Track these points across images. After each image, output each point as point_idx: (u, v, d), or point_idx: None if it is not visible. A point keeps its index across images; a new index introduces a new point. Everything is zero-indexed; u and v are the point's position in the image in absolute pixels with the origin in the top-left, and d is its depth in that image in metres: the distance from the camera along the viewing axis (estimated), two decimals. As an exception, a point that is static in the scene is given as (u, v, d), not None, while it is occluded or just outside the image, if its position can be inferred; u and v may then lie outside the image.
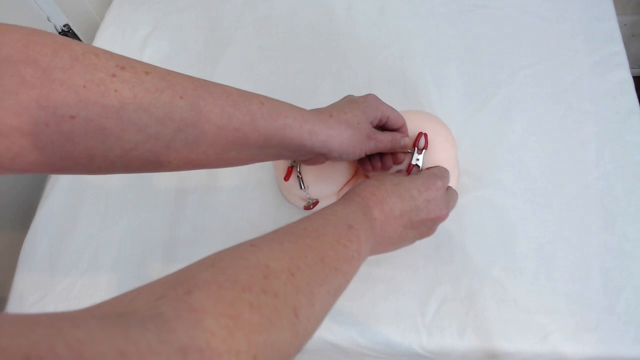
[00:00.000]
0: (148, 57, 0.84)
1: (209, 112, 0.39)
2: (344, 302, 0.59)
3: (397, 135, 0.53)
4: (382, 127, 0.53)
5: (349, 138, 0.46)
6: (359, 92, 0.75)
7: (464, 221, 0.62)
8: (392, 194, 0.44)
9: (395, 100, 0.73)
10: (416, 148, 0.55)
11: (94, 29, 0.90)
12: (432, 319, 0.57)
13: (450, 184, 0.61)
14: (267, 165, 0.68)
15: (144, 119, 0.35)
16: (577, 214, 0.61)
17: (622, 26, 0.77)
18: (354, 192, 0.45)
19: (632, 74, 0.71)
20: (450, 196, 0.50)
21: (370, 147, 0.49)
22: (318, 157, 0.48)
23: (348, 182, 0.62)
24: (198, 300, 0.26)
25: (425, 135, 0.55)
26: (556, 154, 0.66)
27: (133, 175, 0.71)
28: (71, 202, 0.71)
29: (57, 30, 0.92)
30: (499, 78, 0.73)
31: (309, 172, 0.58)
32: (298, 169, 0.58)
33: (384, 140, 0.50)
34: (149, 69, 0.37)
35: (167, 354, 0.22)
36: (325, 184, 0.60)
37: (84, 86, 0.33)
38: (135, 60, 0.37)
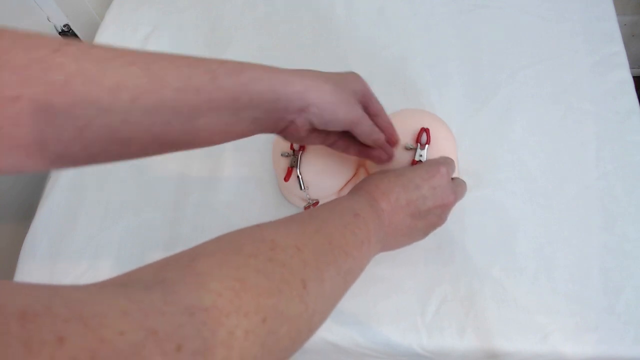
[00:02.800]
0: (148, 57, 0.84)
1: (165, 75, 0.35)
2: (344, 302, 0.58)
3: (377, 129, 0.49)
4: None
5: (330, 91, 0.42)
6: (359, 92, 0.75)
7: (464, 221, 0.62)
8: (396, 184, 0.44)
9: (395, 100, 0.73)
10: (419, 144, 0.55)
11: (94, 29, 0.90)
12: (432, 319, 0.57)
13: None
14: (267, 165, 0.68)
15: (93, 91, 0.32)
16: (577, 214, 0.61)
17: (622, 26, 0.77)
18: (358, 187, 0.45)
19: (632, 74, 0.71)
20: (457, 184, 0.49)
21: (352, 118, 0.44)
22: (299, 122, 0.43)
23: (348, 182, 0.62)
24: (202, 265, 0.25)
25: (427, 130, 0.55)
26: (556, 154, 0.66)
27: (133, 175, 0.71)
28: (71, 202, 0.71)
29: (57, 30, 0.92)
30: (499, 78, 0.73)
31: (309, 172, 0.58)
32: (298, 169, 0.58)
33: (365, 123, 0.46)
34: (95, 45, 0.35)
35: (172, 313, 0.21)
36: (325, 184, 0.60)
37: (26, 65, 0.31)
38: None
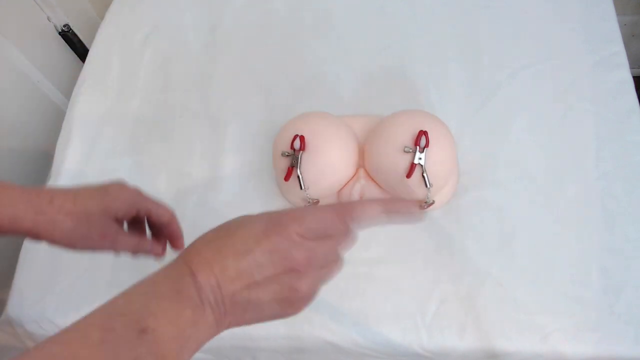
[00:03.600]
0: (148, 57, 0.84)
1: None
2: (344, 302, 0.59)
3: (144, 242, 0.47)
4: (149, 221, 0.48)
5: (68, 230, 0.42)
6: (358, 92, 0.75)
7: (464, 221, 0.62)
8: (223, 251, 0.33)
9: (395, 100, 0.73)
10: (418, 147, 0.55)
11: (94, 29, 0.90)
12: (432, 319, 0.57)
13: (450, 184, 0.62)
14: (267, 165, 0.68)
15: None
16: (577, 214, 0.61)
17: (622, 26, 0.77)
18: (182, 254, 0.35)
19: (632, 74, 0.71)
20: (325, 245, 0.36)
21: (105, 245, 0.44)
22: (32, 238, 0.43)
23: (348, 182, 0.62)
24: None
25: (426, 133, 0.55)
26: (556, 154, 0.66)
27: (133, 175, 0.71)
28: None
29: (57, 30, 0.92)
30: (498, 78, 0.73)
31: (309, 172, 0.58)
32: (298, 169, 0.58)
33: (126, 244, 0.45)
34: None
35: None
36: (325, 184, 0.60)
37: None
38: None
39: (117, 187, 0.46)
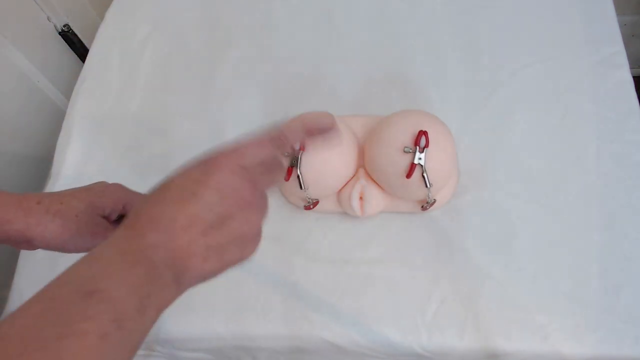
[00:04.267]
0: (148, 57, 0.84)
1: None
2: (344, 302, 0.59)
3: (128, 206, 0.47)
4: None
5: (57, 229, 0.42)
6: (358, 92, 0.75)
7: (464, 221, 0.62)
8: (164, 203, 0.31)
9: (394, 100, 0.73)
10: (417, 147, 0.55)
11: (94, 29, 0.90)
12: (432, 318, 0.57)
13: (450, 184, 0.62)
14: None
15: None
16: (577, 214, 0.61)
17: (622, 26, 0.77)
18: (126, 219, 0.32)
19: (632, 74, 0.71)
20: (263, 169, 0.35)
21: (95, 243, 0.41)
22: (24, 244, 0.43)
23: (348, 182, 0.62)
24: None
25: (426, 133, 0.55)
26: (556, 154, 0.66)
27: (133, 174, 0.71)
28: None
29: (57, 30, 0.92)
30: (499, 78, 0.73)
31: (309, 172, 0.58)
32: (298, 169, 0.58)
33: (107, 229, 0.45)
34: None
35: None
36: (325, 184, 0.60)
37: None
38: None
39: (101, 185, 0.47)
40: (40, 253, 0.66)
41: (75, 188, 0.46)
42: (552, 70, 0.73)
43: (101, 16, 0.92)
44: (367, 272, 0.60)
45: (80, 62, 0.97)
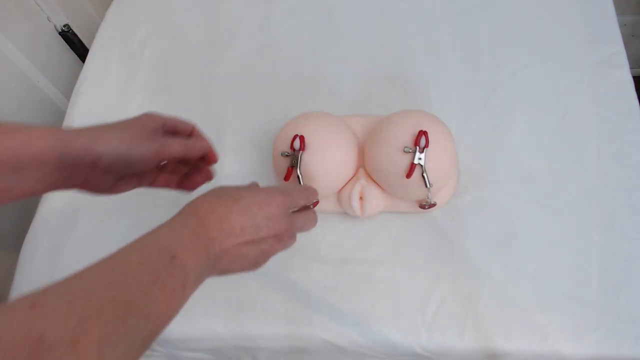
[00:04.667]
0: (148, 57, 0.84)
1: None
2: (344, 302, 0.59)
3: (191, 140, 0.49)
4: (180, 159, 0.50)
5: (118, 138, 0.43)
6: (358, 92, 0.75)
7: (463, 221, 0.62)
8: (232, 211, 0.41)
9: (394, 100, 0.73)
10: (417, 147, 0.55)
11: (94, 29, 0.90)
12: (432, 319, 0.57)
13: (450, 184, 0.62)
14: (267, 165, 0.68)
15: None
16: (577, 214, 0.61)
17: (622, 26, 0.77)
18: (191, 209, 0.41)
19: (632, 74, 0.71)
20: (302, 217, 0.46)
21: (156, 147, 0.45)
22: (93, 173, 0.43)
23: (348, 182, 0.62)
24: None
25: (426, 133, 0.55)
26: (556, 154, 0.66)
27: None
28: (71, 201, 0.70)
29: (57, 30, 0.92)
30: (499, 78, 0.73)
31: (309, 172, 0.58)
32: (298, 169, 0.58)
33: (174, 144, 0.46)
34: None
35: None
36: (325, 184, 0.60)
37: None
38: None
39: (147, 116, 0.47)
40: (40, 252, 0.66)
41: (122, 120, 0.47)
42: (552, 70, 0.73)
43: (101, 16, 0.92)
44: (367, 272, 0.60)
45: (80, 62, 0.97)
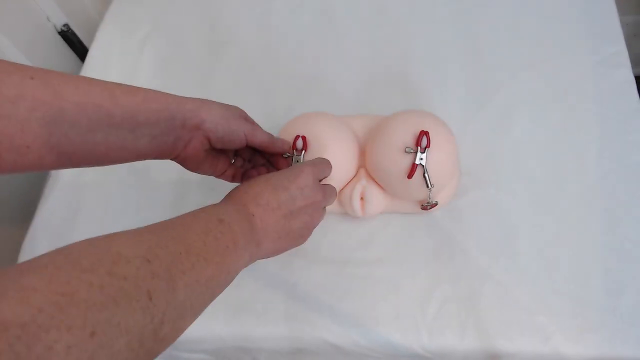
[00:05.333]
0: (148, 57, 0.83)
1: (64, 89, 0.37)
2: (344, 303, 0.59)
3: (276, 137, 0.52)
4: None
5: (220, 109, 0.46)
6: (358, 92, 0.75)
7: (464, 221, 0.62)
8: (265, 189, 0.44)
9: (395, 100, 0.73)
10: (419, 147, 0.55)
11: (94, 29, 0.90)
12: (432, 319, 0.56)
13: (451, 184, 0.61)
14: (268, 165, 0.68)
15: None
16: (579, 214, 0.61)
17: (624, 26, 0.77)
18: (227, 196, 0.45)
19: (634, 73, 0.71)
20: (326, 185, 0.50)
21: (248, 129, 0.48)
22: (197, 140, 0.46)
23: (349, 182, 0.62)
24: (29, 280, 0.25)
25: (427, 133, 0.55)
26: (557, 154, 0.66)
27: (133, 174, 0.71)
28: (71, 201, 0.70)
29: (57, 30, 0.92)
30: (499, 78, 0.73)
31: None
32: (298, 169, 0.58)
33: (262, 132, 0.50)
34: None
35: None
36: (325, 184, 0.60)
37: None
38: None
39: (235, 106, 0.50)
40: (40, 252, 0.66)
41: None
42: (553, 70, 0.73)
43: (101, 16, 0.92)
44: (368, 272, 0.60)
45: (80, 62, 0.97)
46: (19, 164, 0.37)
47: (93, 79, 0.40)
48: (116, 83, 0.41)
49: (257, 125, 0.51)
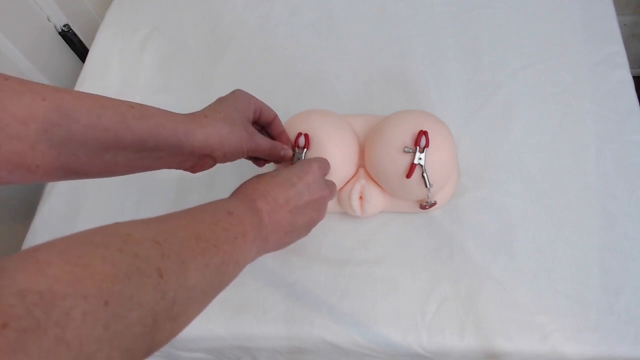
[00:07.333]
0: (148, 57, 0.84)
1: (75, 111, 0.38)
2: (344, 302, 0.59)
3: (277, 144, 0.53)
4: (260, 125, 0.55)
5: (228, 134, 0.47)
6: (358, 91, 0.75)
7: (463, 221, 0.62)
8: (273, 184, 0.45)
9: (395, 100, 0.73)
10: (418, 147, 0.55)
11: (94, 29, 0.90)
12: (432, 318, 0.57)
13: (450, 184, 0.62)
14: (267, 165, 0.68)
15: (2, 119, 0.35)
16: (577, 214, 0.61)
17: (622, 26, 0.77)
18: (235, 191, 0.46)
19: (632, 74, 0.71)
20: (331, 182, 0.53)
21: (251, 146, 0.49)
22: (203, 160, 0.48)
23: (348, 181, 0.62)
24: (44, 254, 0.26)
25: (426, 133, 0.55)
26: (556, 154, 0.66)
27: (133, 175, 0.71)
28: (71, 201, 0.71)
29: (57, 30, 0.92)
30: (499, 78, 0.73)
31: (309, 172, 0.58)
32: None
33: (263, 145, 0.51)
34: (7, 77, 0.37)
35: (4, 296, 0.22)
36: (325, 184, 0.60)
37: None
38: None
39: (240, 91, 0.52)
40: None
41: (222, 99, 0.51)
42: (552, 70, 0.73)
43: (101, 16, 0.92)
44: (367, 272, 0.60)
45: (80, 62, 0.97)
46: (27, 179, 0.38)
47: (107, 98, 0.41)
48: (129, 104, 0.42)
49: (258, 134, 0.51)
